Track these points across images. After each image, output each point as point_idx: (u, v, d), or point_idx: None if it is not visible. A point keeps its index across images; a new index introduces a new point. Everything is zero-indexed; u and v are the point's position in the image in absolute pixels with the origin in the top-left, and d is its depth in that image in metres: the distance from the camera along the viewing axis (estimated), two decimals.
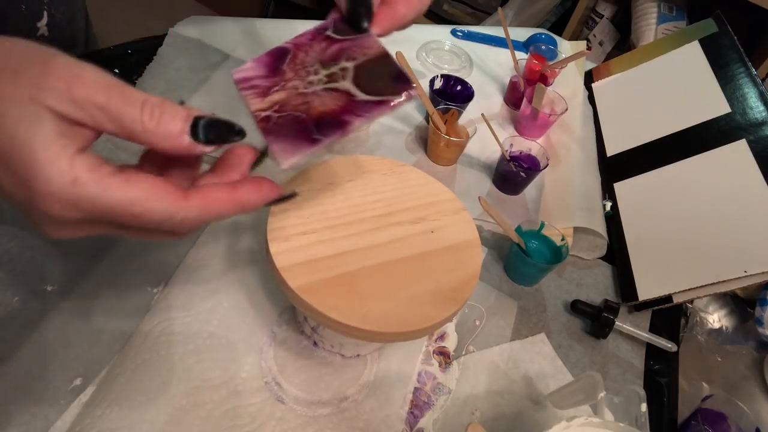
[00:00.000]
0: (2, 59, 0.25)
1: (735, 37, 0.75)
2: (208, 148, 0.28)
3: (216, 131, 0.28)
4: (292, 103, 0.33)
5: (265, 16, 1.99)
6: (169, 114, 0.26)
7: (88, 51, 0.68)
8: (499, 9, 0.88)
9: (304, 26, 0.81)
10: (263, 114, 0.33)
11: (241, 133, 0.29)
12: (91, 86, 0.25)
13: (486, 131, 0.69)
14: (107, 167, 0.26)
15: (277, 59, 0.35)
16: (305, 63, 0.35)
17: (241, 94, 0.35)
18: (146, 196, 0.27)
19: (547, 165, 0.68)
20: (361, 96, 0.33)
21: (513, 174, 0.68)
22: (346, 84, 0.33)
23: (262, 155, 0.34)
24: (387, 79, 0.33)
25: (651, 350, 0.59)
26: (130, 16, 1.88)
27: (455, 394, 0.49)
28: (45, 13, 0.57)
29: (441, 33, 0.95)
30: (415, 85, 0.34)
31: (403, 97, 0.32)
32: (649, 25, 1.55)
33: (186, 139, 0.27)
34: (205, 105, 0.64)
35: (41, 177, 0.24)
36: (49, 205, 0.25)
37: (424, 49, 0.88)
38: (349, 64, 0.34)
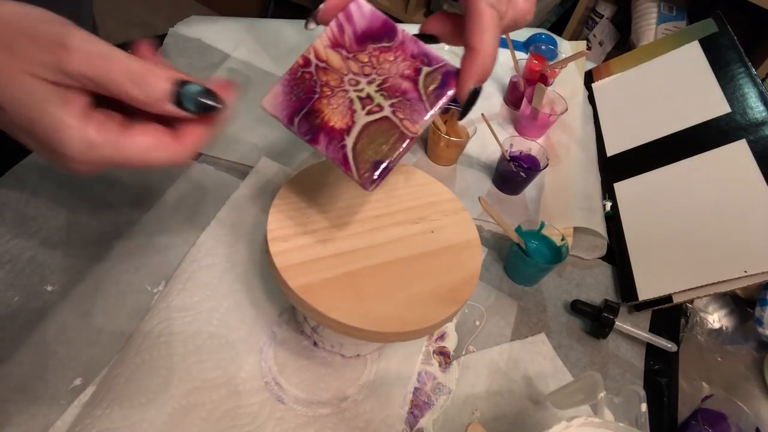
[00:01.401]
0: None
1: (735, 37, 0.75)
2: (191, 116, 0.30)
3: (197, 100, 0.29)
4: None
5: (265, 16, 1.99)
6: (151, 81, 0.28)
7: None
8: None
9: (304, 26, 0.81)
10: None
11: (221, 102, 0.30)
12: (77, 57, 0.26)
13: (486, 131, 0.69)
14: (113, 123, 0.29)
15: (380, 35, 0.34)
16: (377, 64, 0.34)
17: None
18: (153, 147, 0.29)
19: (547, 165, 0.68)
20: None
21: (513, 174, 0.68)
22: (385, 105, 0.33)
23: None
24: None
25: (651, 350, 0.59)
26: (130, 16, 1.88)
27: (455, 394, 0.49)
28: None
29: None
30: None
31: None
32: (649, 25, 1.55)
33: (169, 105, 0.29)
34: None
35: (60, 145, 0.27)
36: (73, 165, 0.28)
37: None
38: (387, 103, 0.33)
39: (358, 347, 0.47)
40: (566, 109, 0.76)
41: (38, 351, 0.43)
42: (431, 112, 0.33)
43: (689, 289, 0.59)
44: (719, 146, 0.66)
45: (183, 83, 0.29)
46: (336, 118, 0.32)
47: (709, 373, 0.60)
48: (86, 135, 0.27)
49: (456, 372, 0.50)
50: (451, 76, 0.33)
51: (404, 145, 0.32)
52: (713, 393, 0.58)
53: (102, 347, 0.44)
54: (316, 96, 0.33)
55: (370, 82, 0.33)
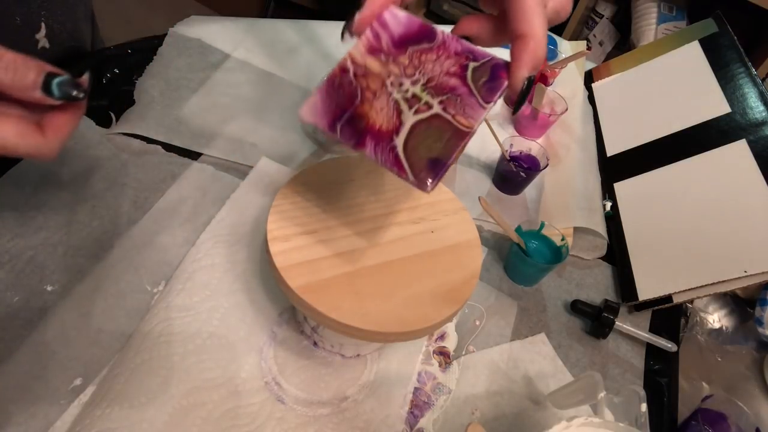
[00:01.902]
0: None
1: (735, 37, 0.75)
2: (57, 102, 0.32)
3: (64, 89, 0.31)
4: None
5: (265, 16, 1.99)
6: (22, 70, 0.30)
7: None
8: None
9: (304, 26, 0.81)
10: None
11: (85, 92, 0.33)
12: None
13: (486, 131, 0.69)
14: None
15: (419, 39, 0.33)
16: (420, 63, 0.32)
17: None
18: (13, 136, 0.31)
19: (547, 165, 0.68)
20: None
21: (513, 174, 0.68)
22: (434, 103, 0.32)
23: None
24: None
25: (651, 350, 0.59)
26: (130, 16, 1.88)
27: (455, 394, 0.49)
28: (42, 24, 0.55)
29: None
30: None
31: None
32: (649, 25, 1.55)
33: (38, 93, 0.31)
34: (206, 105, 0.64)
35: None
36: None
37: None
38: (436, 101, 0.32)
39: (358, 347, 0.47)
40: (566, 109, 0.76)
41: (38, 351, 0.43)
42: (488, 106, 0.31)
43: (689, 289, 0.59)
44: (719, 146, 0.66)
45: (52, 74, 0.31)
46: (382, 120, 0.31)
47: (709, 373, 0.60)
48: None
49: (456, 372, 0.50)
50: (501, 68, 0.32)
51: (461, 142, 0.30)
52: (713, 393, 0.58)
53: (102, 347, 0.44)
54: (358, 101, 0.31)
55: (414, 82, 0.32)
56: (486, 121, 0.67)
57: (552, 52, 0.90)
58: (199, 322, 0.46)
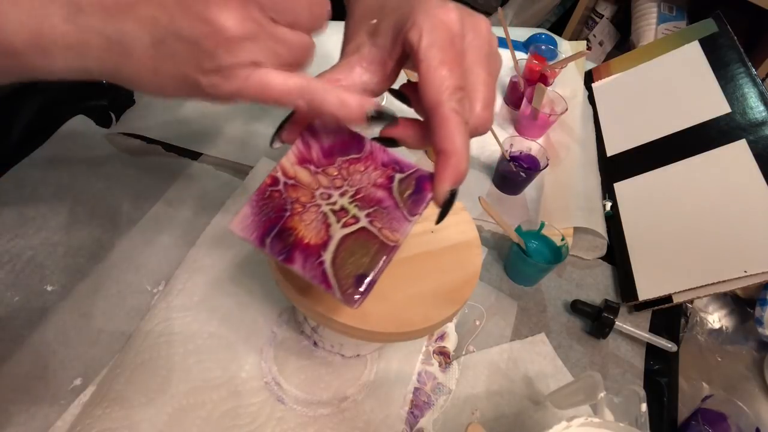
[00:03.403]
0: None
1: (735, 37, 0.75)
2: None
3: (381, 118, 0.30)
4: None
5: None
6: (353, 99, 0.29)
7: None
8: (499, 9, 0.88)
9: None
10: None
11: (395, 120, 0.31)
12: None
13: None
14: None
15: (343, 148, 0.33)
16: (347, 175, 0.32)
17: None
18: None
19: (547, 165, 0.68)
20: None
21: (513, 174, 0.68)
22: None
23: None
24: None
25: (651, 350, 0.59)
26: None
27: (455, 394, 0.49)
28: None
29: None
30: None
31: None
32: (649, 25, 1.55)
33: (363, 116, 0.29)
34: (205, 105, 0.64)
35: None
36: (223, 38, 0.25)
37: None
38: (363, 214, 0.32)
39: (358, 347, 0.47)
40: (566, 109, 0.76)
41: (38, 351, 0.43)
42: (413, 219, 0.32)
43: (689, 289, 0.59)
44: (719, 146, 0.66)
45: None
46: (311, 234, 0.31)
47: (709, 373, 0.60)
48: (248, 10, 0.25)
49: (456, 372, 0.50)
50: (426, 180, 0.32)
51: (386, 257, 0.30)
52: (713, 393, 0.58)
53: (102, 347, 0.44)
54: (288, 213, 0.31)
55: (342, 194, 0.32)
56: None
57: (552, 52, 0.90)
58: (199, 322, 0.46)
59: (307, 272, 0.30)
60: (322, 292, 0.31)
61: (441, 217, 0.32)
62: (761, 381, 0.61)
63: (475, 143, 0.74)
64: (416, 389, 0.48)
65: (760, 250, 0.56)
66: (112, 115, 0.60)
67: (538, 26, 1.62)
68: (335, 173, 0.32)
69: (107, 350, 0.44)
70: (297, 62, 0.28)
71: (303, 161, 0.32)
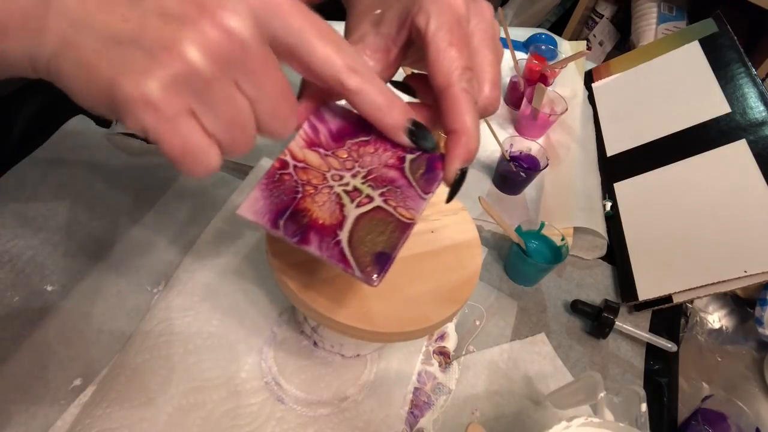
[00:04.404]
0: None
1: (735, 37, 0.75)
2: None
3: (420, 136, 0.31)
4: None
5: None
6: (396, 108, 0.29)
7: None
8: (499, 9, 0.88)
9: None
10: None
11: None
12: None
13: (486, 131, 0.69)
14: None
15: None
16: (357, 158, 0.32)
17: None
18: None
19: (547, 165, 0.68)
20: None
21: (513, 174, 0.68)
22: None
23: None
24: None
25: (651, 350, 0.59)
26: None
27: (455, 394, 0.49)
28: None
29: None
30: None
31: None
32: (649, 25, 1.55)
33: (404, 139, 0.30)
34: None
35: None
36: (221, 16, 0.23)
37: None
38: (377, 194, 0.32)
39: (358, 347, 0.47)
40: (566, 109, 0.76)
41: (38, 351, 0.43)
42: (427, 197, 0.32)
43: (689, 289, 0.59)
44: (719, 146, 0.66)
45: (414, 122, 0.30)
46: (325, 215, 0.30)
47: (709, 373, 0.60)
48: None
49: (456, 372, 0.50)
50: (437, 159, 0.32)
51: (403, 234, 0.30)
52: (713, 393, 0.58)
53: (102, 347, 0.44)
54: (299, 195, 0.30)
55: (354, 175, 0.31)
56: (486, 121, 0.67)
57: (552, 52, 0.90)
58: (199, 322, 0.46)
59: (324, 252, 0.29)
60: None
61: (451, 196, 0.33)
62: (761, 381, 0.61)
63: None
64: (416, 389, 0.48)
65: (760, 250, 0.56)
66: None
67: (538, 26, 1.62)
68: (345, 155, 0.32)
69: (107, 350, 0.44)
70: (231, 142, 0.25)
71: (311, 145, 0.32)
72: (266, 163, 0.60)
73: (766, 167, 0.60)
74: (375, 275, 0.29)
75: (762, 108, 0.66)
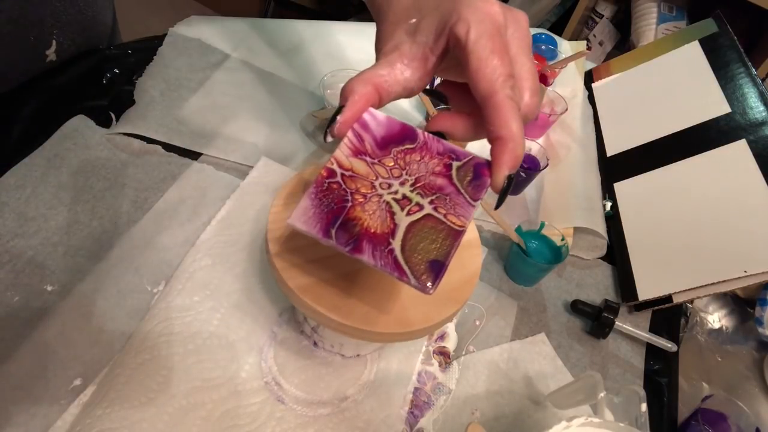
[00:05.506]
0: None
1: (735, 37, 0.75)
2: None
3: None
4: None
5: (265, 16, 1.99)
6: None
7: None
8: None
9: (304, 26, 0.81)
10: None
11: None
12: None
13: None
14: None
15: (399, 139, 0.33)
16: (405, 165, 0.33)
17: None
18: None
19: (547, 165, 0.68)
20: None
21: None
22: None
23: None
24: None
25: (651, 350, 0.59)
26: (130, 16, 1.88)
27: (455, 394, 0.49)
28: (54, 41, 0.58)
29: None
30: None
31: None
32: (649, 25, 1.55)
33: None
34: (205, 105, 0.64)
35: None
36: None
37: None
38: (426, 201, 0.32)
39: (358, 347, 0.47)
40: (566, 109, 0.76)
41: (38, 351, 0.43)
42: (476, 204, 0.32)
43: (689, 289, 0.59)
44: (719, 146, 0.66)
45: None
46: (376, 223, 0.30)
47: (709, 373, 0.60)
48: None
49: (456, 372, 0.50)
50: (483, 166, 0.33)
51: (455, 241, 0.30)
52: (713, 393, 0.58)
53: (102, 347, 0.44)
54: (349, 204, 0.31)
55: (402, 183, 0.32)
56: None
57: (552, 52, 0.90)
58: (199, 322, 0.46)
59: (377, 261, 0.29)
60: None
61: (500, 203, 0.33)
62: (761, 381, 0.61)
63: (476, 144, 0.73)
64: (416, 389, 0.48)
65: (760, 250, 0.56)
66: (112, 115, 0.60)
67: (538, 26, 1.62)
68: (392, 164, 0.32)
69: (107, 350, 0.44)
70: None
71: (358, 153, 0.32)
72: (266, 164, 0.60)
73: (766, 167, 0.60)
74: (430, 283, 0.29)
75: (762, 108, 0.66)
